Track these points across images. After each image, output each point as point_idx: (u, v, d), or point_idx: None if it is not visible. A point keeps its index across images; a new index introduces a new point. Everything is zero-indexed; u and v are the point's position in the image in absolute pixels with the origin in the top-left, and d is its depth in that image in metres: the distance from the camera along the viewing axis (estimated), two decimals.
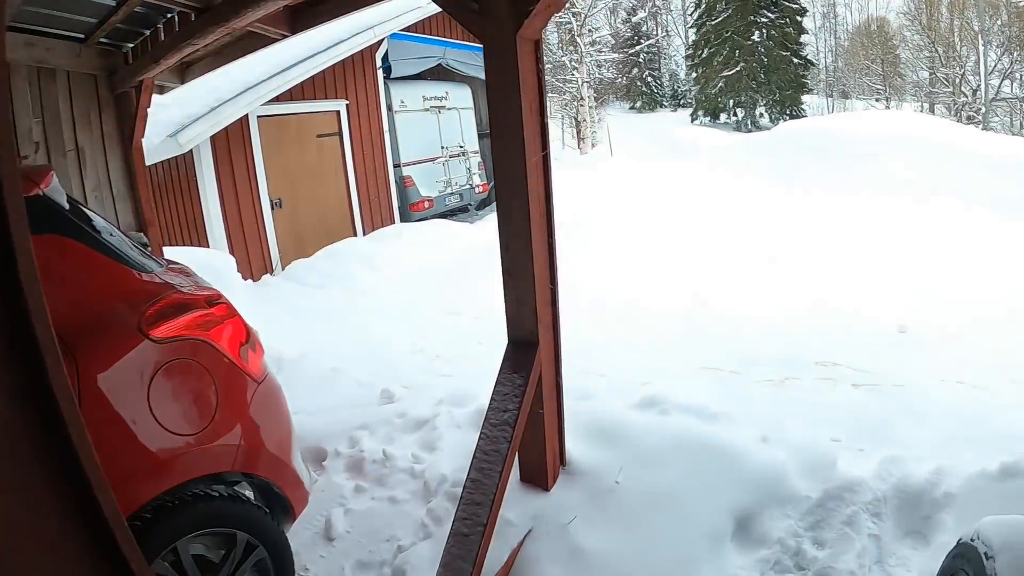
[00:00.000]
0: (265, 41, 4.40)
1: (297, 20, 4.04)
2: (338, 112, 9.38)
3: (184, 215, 8.11)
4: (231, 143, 8.01)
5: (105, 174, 5.01)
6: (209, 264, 6.70)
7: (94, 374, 2.01)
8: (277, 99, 8.30)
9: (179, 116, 7.44)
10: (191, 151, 7.65)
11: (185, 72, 5.50)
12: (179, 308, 2.28)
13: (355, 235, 9.53)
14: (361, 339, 5.74)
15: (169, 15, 4.12)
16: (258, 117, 8.29)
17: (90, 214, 2.42)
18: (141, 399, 2.07)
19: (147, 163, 8.32)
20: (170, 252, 7.17)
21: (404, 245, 8.68)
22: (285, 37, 4.13)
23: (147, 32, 4.50)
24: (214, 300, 2.43)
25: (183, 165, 7.91)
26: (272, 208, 8.55)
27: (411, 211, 10.61)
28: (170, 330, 2.20)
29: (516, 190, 2.49)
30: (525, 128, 2.41)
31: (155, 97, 6.17)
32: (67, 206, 2.22)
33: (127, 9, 4.07)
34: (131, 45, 4.72)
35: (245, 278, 7.99)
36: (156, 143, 7.48)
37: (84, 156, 4.89)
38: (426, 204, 10.83)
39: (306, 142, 9.01)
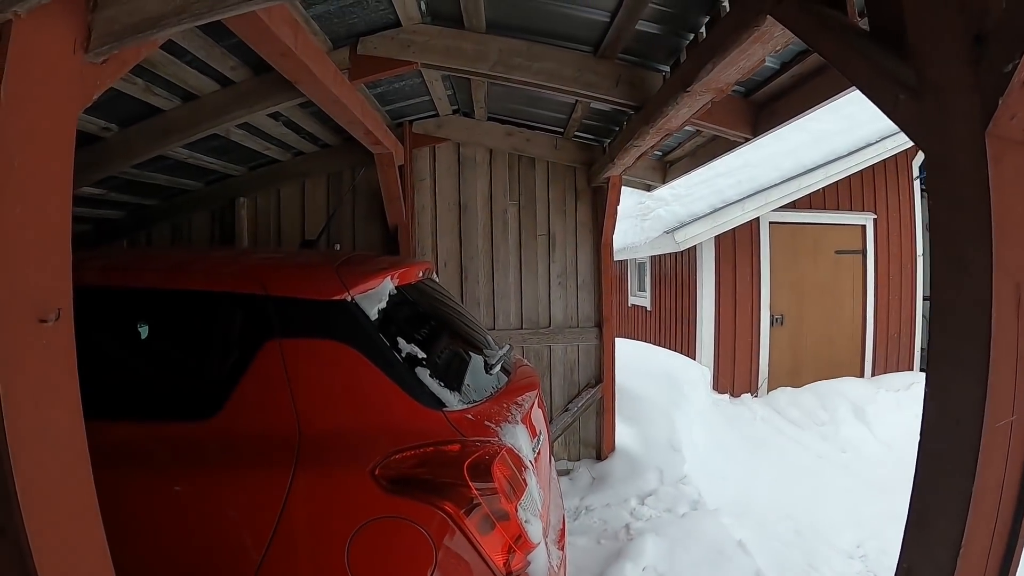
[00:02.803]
0: (732, 144, 3.90)
1: (759, 121, 3.46)
2: (863, 227, 8.08)
3: (677, 312, 7.99)
4: (737, 246, 7.54)
5: (573, 263, 5.09)
6: (676, 371, 6.32)
7: (303, 497, 1.82)
8: (794, 206, 7.51)
9: (682, 213, 7.40)
10: (693, 248, 7.51)
11: (666, 172, 5.32)
12: (439, 465, 1.86)
13: (860, 374, 7.98)
14: (797, 510, 4.55)
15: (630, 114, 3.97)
16: (770, 223, 7.62)
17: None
18: (338, 551, 1.79)
19: (648, 254, 8.72)
20: (637, 350, 7.11)
21: (911, 401, 6.80)
22: (747, 140, 3.57)
23: (617, 129, 4.49)
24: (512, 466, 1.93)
25: (685, 261, 7.83)
26: (771, 324, 7.68)
27: None
28: (409, 488, 1.81)
29: None
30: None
31: (658, 192, 6.26)
32: (375, 315, 2.08)
33: (582, 107, 4.05)
34: (608, 141, 4.79)
35: (722, 392, 7.37)
36: (653, 237, 7.62)
37: (555, 242, 5.02)
38: None
39: (822, 257, 7.94)
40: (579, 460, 5.13)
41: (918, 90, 1.25)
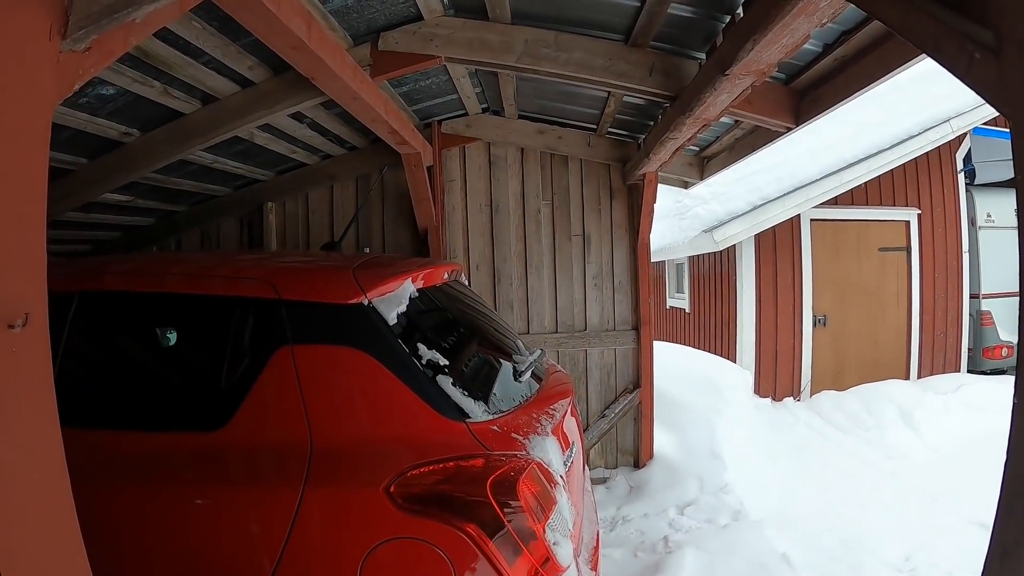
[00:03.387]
0: (772, 136, 3.70)
1: (801, 110, 3.26)
2: (907, 223, 7.74)
3: (717, 314, 7.77)
4: (778, 245, 7.30)
5: (609, 264, 4.93)
6: (717, 375, 6.13)
7: (314, 514, 1.72)
8: (836, 202, 7.25)
9: (720, 212, 7.19)
10: (733, 248, 7.28)
11: (704, 167, 5.13)
12: (460, 481, 1.72)
13: (906, 376, 7.64)
14: (843, 520, 4.31)
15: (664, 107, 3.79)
16: (811, 220, 7.36)
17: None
18: (350, 573, 1.67)
19: (686, 255, 8.51)
20: (675, 354, 6.90)
21: (959, 405, 6.50)
22: (790, 130, 3.37)
23: (651, 123, 4.31)
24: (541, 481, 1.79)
25: (724, 262, 7.61)
26: (814, 325, 7.43)
27: (984, 357, 8.08)
28: (427, 507, 1.68)
29: None
30: None
31: (695, 190, 6.08)
32: (393, 320, 1.95)
33: (615, 101, 3.91)
34: (642, 136, 4.61)
35: (764, 395, 7.16)
36: (692, 236, 7.42)
37: (590, 242, 4.88)
38: (1004, 351, 8.08)
39: (865, 254, 7.64)
40: (616, 468, 4.97)
41: (997, 47, 1.11)
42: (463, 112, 4.60)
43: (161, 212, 4.63)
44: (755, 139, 4.06)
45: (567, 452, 2.16)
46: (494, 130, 4.74)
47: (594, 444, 4.90)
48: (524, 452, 1.82)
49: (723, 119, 3.34)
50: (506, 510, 1.66)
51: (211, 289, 2.08)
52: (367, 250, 4.68)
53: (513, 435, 1.88)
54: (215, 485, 1.82)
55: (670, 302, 10.27)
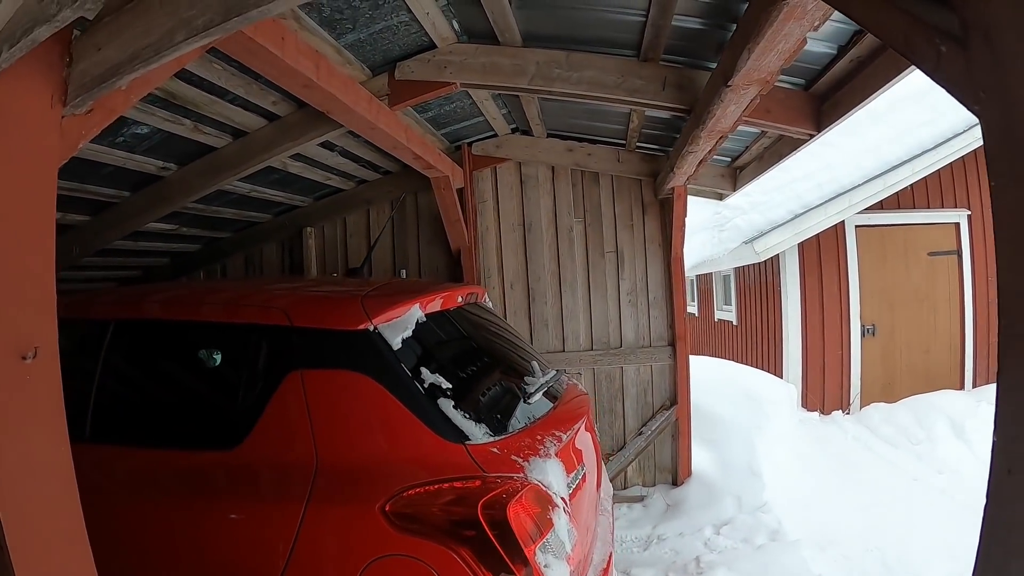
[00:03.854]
0: (796, 144, 3.65)
1: (822, 115, 3.19)
2: (957, 225, 7.51)
3: (763, 325, 7.62)
4: (822, 253, 7.15)
5: (643, 279, 4.91)
6: (759, 390, 6.01)
7: (314, 531, 1.81)
8: (881, 206, 7.07)
9: (760, 221, 7.07)
10: (776, 258, 7.14)
11: (736, 178, 5.06)
12: (453, 502, 1.78)
13: (960, 386, 7.40)
14: (887, 540, 4.17)
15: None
16: (856, 226, 7.17)
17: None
18: None
19: (731, 266, 8.37)
20: (716, 368, 6.78)
21: None
22: (812, 137, 3.30)
23: (678, 136, 4.27)
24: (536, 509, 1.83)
25: (768, 272, 7.47)
26: (862, 335, 7.23)
27: None
28: (420, 526, 1.75)
29: None
30: None
31: (733, 200, 6.00)
32: (398, 345, 2.03)
33: (638, 116, 3.91)
34: (671, 149, 4.58)
35: (812, 409, 6.99)
36: (732, 248, 7.31)
37: (623, 258, 4.87)
38: None
39: (914, 260, 7.43)
40: (654, 486, 4.93)
41: (963, 37, 1.00)
42: (492, 133, 4.65)
43: (206, 238, 4.82)
44: (781, 148, 4.00)
45: (572, 473, 2.18)
46: (524, 149, 4.78)
47: (631, 461, 4.86)
48: (522, 475, 1.85)
49: (749, 128, 3.29)
50: (496, 532, 1.70)
51: (230, 317, 2.21)
52: (403, 272, 4.77)
53: (513, 457, 1.92)
54: (229, 500, 1.93)
55: (718, 314, 10.13)
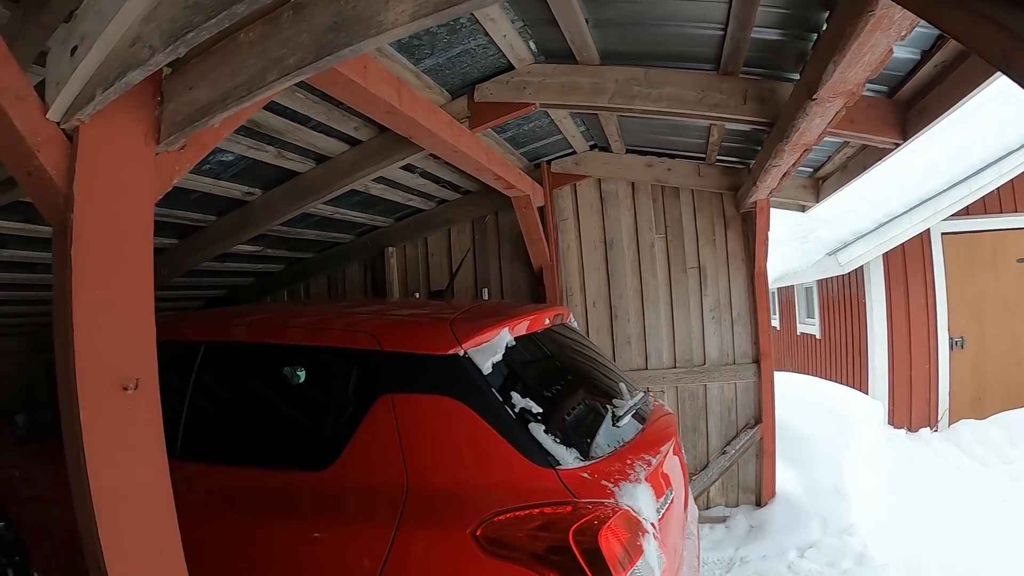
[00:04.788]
0: (882, 153, 3.52)
1: (907, 123, 3.06)
2: None
3: (848, 339, 7.38)
4: (908, 263, 6.89)
5: (726, 295, 4.79)
6: (844, 407, 5.82)
7: (404, 554, 1.82)
8: (967, 212, 6.76)
9: (844, 232, 6.86)
10: (860, 269, 6.89)
11: (819, 189, 4.89)
12: (544, 528, 1.76)
13: None
14: (976, 566, 3.95)
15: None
16: (942, 234, 6.86)
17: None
18: None
19: (814, 278, 8.11)
20: (800, 385, 6.57)
21: None
22: (898, 146, 3.17)
23: (759, 149, 4.16)
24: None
25: (852, 284, 7.22)
26: (951, 348, 6.91)
27: None
28: (510, 552, 1.73)
29: None
30: None
31: (815, 211, 5.82)
32: (488, 370, 2.03)
33: (718, 130, 3.84)
34: (752, 162, 4.46)
35: (898, 426, 6.72)
36: (816, 260, 7.09)
37: (706, 274, 4.78)
38: None
39: (1004, 267, 7.09)
40: (737, 506, 4.79)
41: None
42: (571, 151, 4.63)
43: (290, 259, 4.93)
44: (865, 158, 3.88)
45: (661, 498, 2.14)
46: (603, 166, 4.74)
47: (714, 481, 4.75)
48: (612, 500, 1.83)
49: (830, 139, 3.20)
50: (587, 559, 1.67)
51: (321, 341, 2.25)
52: (485, 292, 4.78)
53: (603, 482, 1.89)
54: (318, 521, 1.97)
55: (800, 328, 9.85)
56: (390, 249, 4.80)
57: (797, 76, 2.95)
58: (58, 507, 3.07)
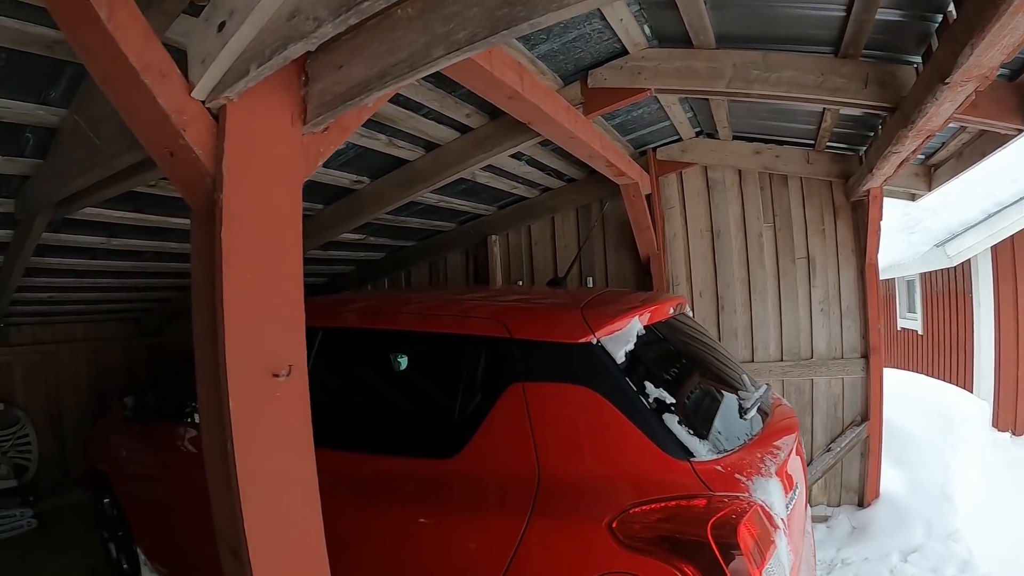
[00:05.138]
0: (1002, 140, 3.38)
1: None
2: None
3: (952, 336, 7.07)
4: (1017, 256, 6.52)
5: (836, 287, 4.63)
6: (950, 406, 5.58)
7: (536, 544, 1.80)
8: None
9: (952, 223, 6.57)
10: (967, 262, 6.60)
11: (931, 177, 4.67)
12: (681, 521, 1.73)
13: None
14: None
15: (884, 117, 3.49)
16: None
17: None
18: None
19: (918, 271, 7.77)
20: (904, 382, 6.32)
21: None
22: (1021, 132, 3.02)
23: (871, 135, 3.99)
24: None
25: (958, 278, 6.91)
26: None
27: None
28: (647, 544, 1.70)
29: None
30: None
31: (924, 201, 5.59)
32: (621, 359, 2.00)
33: (831, 115, 3.71)
34: (863, 149, 4.28)
35: (1003, 429, 6.41)
36: (923, 252, 6.81)
37: (814, 265, 4.63)
38: None
39: None
40: (839, 506, 4.65)
41: None
42: (677, 138, 4.55)
43: (391, 247, 4.98)
44: (983, 144, 3.72)
45: (789, 494, 2.10)
46: (710, 153, 4.64)
47: (817, 479, 4.63)
48: (747, 494, 1.79)
49: (950, 124, 3.03)
50: (725, 553, 1.64)
51: (446, 327, 2.24)
52: (590, 280, 4.74)
53: (736, 476, 1.85)
54: (444, 508, 1.96)
55: (901, 323, 9.50)
56: (493, 237, 4.80)
57: (916, 58, 2.87)
58: (160, 485, 3.20)
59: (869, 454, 4.57)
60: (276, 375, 1.35)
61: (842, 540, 4.31)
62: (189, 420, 2.97)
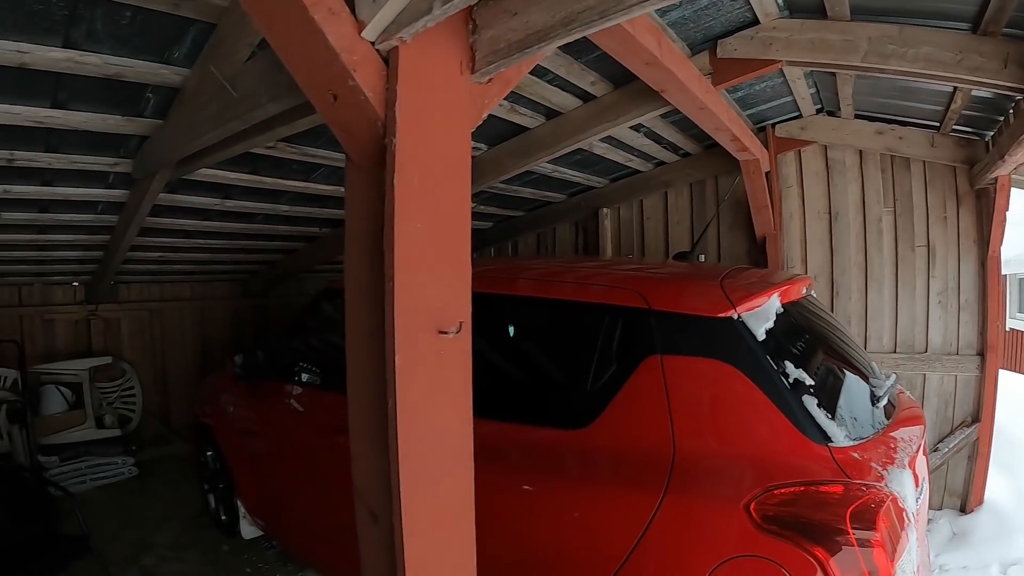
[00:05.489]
0: None
1: None
2: None
3: None
4: None
5: (955, 278, 4.45)
6: None
7: (669, 521, 1.76)
8: None
9: None
10: None
11: None
12: (818, 506, 1.67)
13: None
14: None
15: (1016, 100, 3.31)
16: None
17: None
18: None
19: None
20: (1012, 384, 6.04)
21: None
22: None
23: (1001, 119, 3.80)
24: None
25: None
26: None
27: None
28: (782, 528, 1.64)
29: None
30: None
31: None
32: (762, 336, 1.94)
33: (962, 96, 3.53)
34: (991, 134, 4.09)
35: None
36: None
37: (934, 254, 4.46)
38: None
39: None
40: (940, 509, 4.48)
41: None
42: (797, 114, 4.43)
43: (499, 216, 5.01)
44: None
45: (918, 489, 2.04)
46: (830, 132, 4.50)
47: None
48: (883, 484, 1.74)
49: None
50: (862, 543, 1.59)
51: (582, 296, 2.21)
52: (702, 257, 4.68)
53: (872, 464, 1.81)
54: (574, 480, 1.94)
55: (1010, 323, 9.04)
56: (604, 211, 4.79)
57: None
58: (265, 442, 3.27)
59: (977, 457, 4.38)
60: (444, 332, 1.29)
61: (941, 545, 4.16)
62: (298, 379, 3.05)
